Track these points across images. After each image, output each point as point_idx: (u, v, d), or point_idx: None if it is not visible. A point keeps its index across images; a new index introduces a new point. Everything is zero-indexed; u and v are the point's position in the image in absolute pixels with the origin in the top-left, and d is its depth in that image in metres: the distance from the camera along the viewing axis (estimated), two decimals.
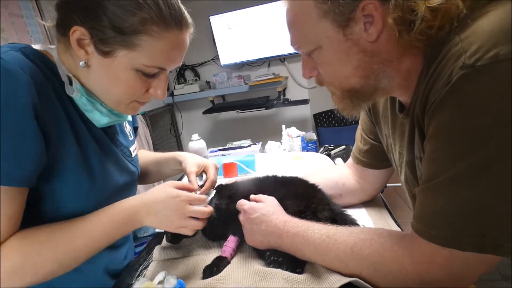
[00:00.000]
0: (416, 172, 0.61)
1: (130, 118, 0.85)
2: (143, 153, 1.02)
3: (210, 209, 0.70)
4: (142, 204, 0.64)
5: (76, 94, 0.62)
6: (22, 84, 0.52)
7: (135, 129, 0.90)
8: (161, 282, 0.67)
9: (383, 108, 0.73)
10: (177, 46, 0.62)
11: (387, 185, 0.92)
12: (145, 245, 0.92)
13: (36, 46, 0.63)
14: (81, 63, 0.59)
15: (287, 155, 1.40)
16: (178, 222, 0.65)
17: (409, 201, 0.71)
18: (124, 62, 0.58)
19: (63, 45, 0.62)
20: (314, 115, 2.93)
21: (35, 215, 0.60)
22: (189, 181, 0.81)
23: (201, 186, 0.82)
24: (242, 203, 0.74)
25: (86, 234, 0.59)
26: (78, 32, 0.56)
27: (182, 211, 0.64)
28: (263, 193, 0.77)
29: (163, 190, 0.66)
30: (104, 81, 0.61)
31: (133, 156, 0.82)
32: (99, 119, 0.67)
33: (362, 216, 0.83)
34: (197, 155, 0.94)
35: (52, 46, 0.64)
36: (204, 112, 2.86)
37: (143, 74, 0.61)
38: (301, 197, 0.78)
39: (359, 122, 0.87)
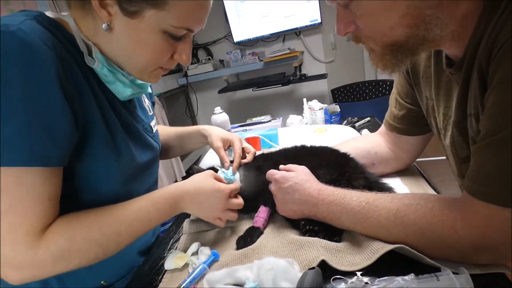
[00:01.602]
0: (466, 132, 0.56)
1: (150, 90, 0.82)
2: (163, 128, 1.00)
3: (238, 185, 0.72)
4: (185, 193, 0.65)
5: (97, 64, 0.59)
6: (46, 60, 0.49)
7: (152, 105, 0.88)
8: (194, 254, 0.67)
9: (425, 67, 0.67)
10: (203, 6, 0.58)
11: (419, 159, 0.88)
12: (169, 224, 0.92)
13: (48, 14, 0.59)
14: (103, 25, 0.54)
15: (310, 128, 1.36)
16: (217, 213, 0.68)
17: (453, 167, 0.67)
18: (152, 23, 0.54)
19: (78, 10, 0.57)
20: (332, 90, 2.85)
21: (72, 196, 0.59)
22: (220, 156, 0.79)
23: (231, 162, 0.81)
24: (273, 173, 0.72)
25: (129, 220, 0.58)
26: None
27: (224, 204, 0.68)
28: (293, 163, 0.74)
29: (207, 181, 0.67)
30: (128, 45, 0.57)
31: (154, 131, 0.79)
32: (122, 90, 0.64)
33: (397, 185, 0.79)
34: (221, 128, 0.92)
35: (65, 13, 0.59)
36: (220, 91, 2.82)
37: (170, 36, 0.57)
38: (333, 166, 0.75)
39: (394, 85, 0.82)
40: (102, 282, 0.67)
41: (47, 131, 0.49)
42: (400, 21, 0.49)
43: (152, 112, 0.83)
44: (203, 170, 0.76)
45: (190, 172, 0.75)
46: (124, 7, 0.53)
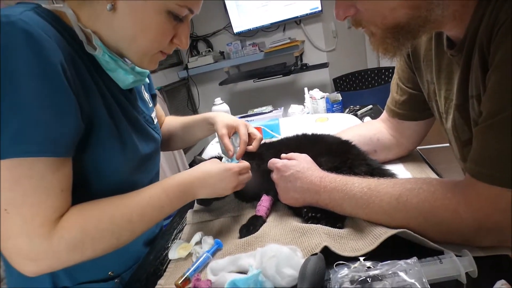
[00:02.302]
0: (468, 115, 0.55)
1: (148, 80, 0.81)
2: (171, 119, 1.00)
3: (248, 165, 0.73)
4: (195, 179, 0.65)
5: (98, 51, 0.59)
6: (50, 50, 0.49)
7: (153, 97, 0.87)
8: (198, 243, 0.67)
9: (426, 50, 0.66)
10: None
11: (420, 147, 0.87)
12: (172, 217, 0.92)
13: (44, 6, 0.58)
14: (108, 5, 0.55)
15: (312, 117, 1.35)
16: (230, 191, 0.69)
17: (455, 151, 0.66)
18: (157, 2, 0.55)
19: (76, 3, 0.58)
20: (334, 79, 2.83)
21: (81, 187, 0.59)
22: (223, 144, 0.79)
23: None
24: (274, 161, 0.72)
25: (141, 207, 0.58)
26: None
27: (235, 181, 0.68)
28: (295, 152, 0.74)
29: (214, 165, 0.68)
30: (131, 27, 0.58)
31: (154, 123, 0.79)
32: (124, 78, 0.64)
33: (400, 171, 0.79)
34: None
35: (59, 5, 0.59)
36: (220, 83, 2.81)
37: (173, 17, 0.58)
38: (335, 153, 0.74)
39: (395, 71, 0.80)
40: (109, 273, 0.68)
41: (56, 122, 0.49)
42: (401, 3, 0.48)
43: (151, 104, 0.83)
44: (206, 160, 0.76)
45: (193, 164, 0.75)
46: None
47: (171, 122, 0.98)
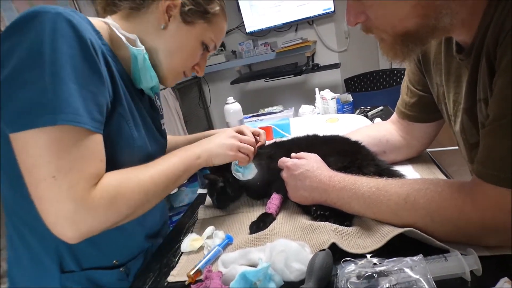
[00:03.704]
0: (476, 118, 0.56)
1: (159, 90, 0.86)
2: (172, 138, 1.01)
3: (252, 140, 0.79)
4: (204, 151, 0.73)
5: (143, 49, 0.67)
6: (88, 38, 0.55)
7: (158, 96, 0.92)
8: (209, 237, 0.69)
9: (435, 53, 0.67)
10: (225, 28, 0.78)
11: (431, 149, 0.87)
12: (182, 213, 0.95)
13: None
14: (162, 25, 0.68)
15: (322, 118, 1.36)
16: (231, 140, 0.75)
17: (464, 153, 0.67)
18: (198, 32, 0.71)
19: (128, 13, 0.69)
20: (345, 80, 2.82)
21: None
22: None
23: None
24: (285, 160, 0.74)
25: (162, 170, 0.65)
26: (169, 2, 0.67)
27: (233, 133, 0.77)
28: (304, 151, 0.75)
29: (222, 133, 0.78)
30: (173, 45, 0.70)
31: (162, 129, 0.85)
32: (149, 80, 0.71)
33: (409, 173, 0.80)
34: (234, 118, 0.93)
35: (100, 18, 0.69)
36: (232, 82, 2.83)
37: (203, 47, 0.74)
38: (344, 154, 0.76)
39: (405, 73, 0.81)
40: (114, 261, 0.70)
41: (95, 101, 0.55)
42: (410, 11, 0.49)
43: (162, 112, 0.88)
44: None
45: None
46: (184, 16, 0.69)
47: (175, 138, 1.01)
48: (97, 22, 0.66)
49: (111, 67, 0.63)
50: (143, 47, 0.67)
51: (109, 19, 0.68)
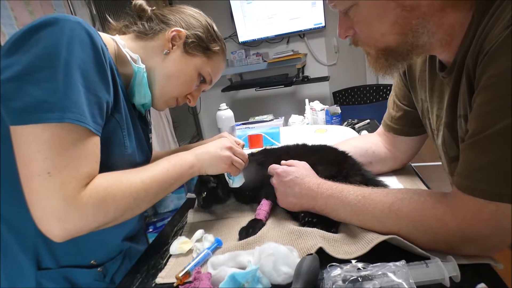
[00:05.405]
0: (456, 133, 0.60)
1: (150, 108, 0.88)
2: (155, 153, 1.02)
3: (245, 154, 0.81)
4: (198, 161, 0.74)
5: (143, 68, 0.71)
6: (101, 48, 0.59)
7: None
8: (199, 240, 0.70)
9: (421, 71, 0.71)
10: (223, 67, 0.84)
11: (414, 164, 0.91)
12: (167, 219, 0.95)
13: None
14: (165, 51, 0.73)
15: (312, 128, 1.39)
16: (225, 150, 0.77)
17: (445, 166, 0.70)
18: (197, 64, 0.76)
19: (132, 37, 0.75)
20: (334, 93, 2.89)
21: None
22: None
23: None
24: (275, 167, 0.75)
25: (155, 176, 0.65)
26: (175, 33, 0.72)
27: (227, 144, 0.78)
28: (294, 159, 0.77)
29: (218, 142, 0.79)
30: (171, 70, 0.74)
31: (150, 141, 0.86)
32: (142, 97, 0.75)
33: (393, 184, 0.83)
34: (226, 124, 0.95)
35: (110, 35, 0.73)
36: (223, 90, 2.86)
37: (200, 78, 0.78)
38: (332, 163, 0.78)
39: (392, 88, 0.86)
40: (92, 261, 0.70)
41: (99, 105, 0.58)
42: (390, 29, 0.55)
43: (151, 126, 0.90)
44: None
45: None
46: (187, 48, 0.74)
47: (159, 153, 1.01)
48: (105, 37, 0.70)
49: (115, 77, 0.65)
50: (143, 66, 0.71)
51: (117, 37, 0.73)
